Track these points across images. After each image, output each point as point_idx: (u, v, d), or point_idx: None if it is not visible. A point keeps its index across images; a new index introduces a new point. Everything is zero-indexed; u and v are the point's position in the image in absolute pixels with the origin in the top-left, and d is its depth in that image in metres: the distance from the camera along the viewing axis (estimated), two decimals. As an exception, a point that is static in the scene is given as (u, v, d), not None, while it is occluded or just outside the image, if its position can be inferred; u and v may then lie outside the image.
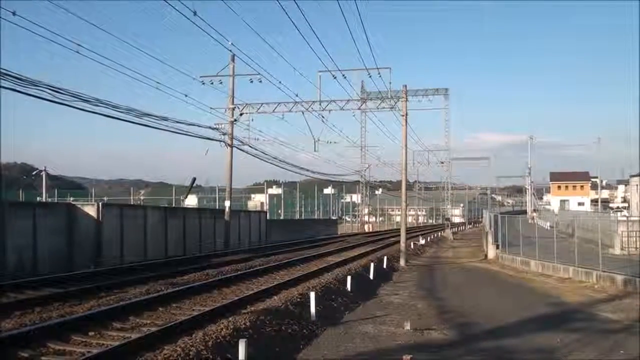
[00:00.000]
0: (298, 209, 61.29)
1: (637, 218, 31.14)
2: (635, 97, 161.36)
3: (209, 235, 30.13)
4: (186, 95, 24.17)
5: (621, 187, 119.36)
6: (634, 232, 26.29)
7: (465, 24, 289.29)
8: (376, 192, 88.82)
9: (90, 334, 9.31)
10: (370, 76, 27.21)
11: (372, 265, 19.84)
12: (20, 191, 46.22)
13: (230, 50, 27.17)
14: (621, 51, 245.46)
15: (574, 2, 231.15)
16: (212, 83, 29.00)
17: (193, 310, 11.71)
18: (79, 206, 21.67)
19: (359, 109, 33.76)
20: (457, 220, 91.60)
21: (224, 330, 9.13)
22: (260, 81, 27.80)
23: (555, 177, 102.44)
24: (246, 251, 28.70)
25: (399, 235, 28.14)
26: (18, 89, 13.92)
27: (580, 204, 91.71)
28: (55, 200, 41.59)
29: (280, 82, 29.60)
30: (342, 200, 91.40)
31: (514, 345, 10.21)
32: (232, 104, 29.78)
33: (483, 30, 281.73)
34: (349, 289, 15.54)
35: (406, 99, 27.81)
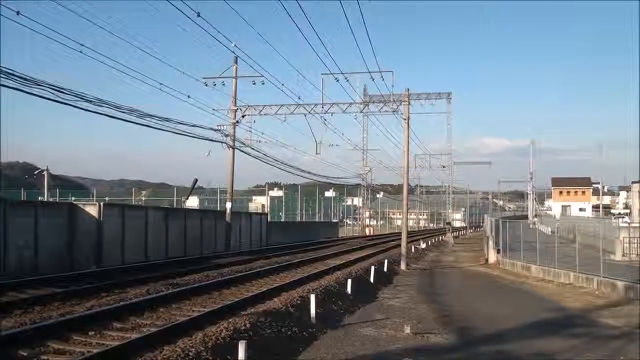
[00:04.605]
0: (299, 211, 61.22)
1: (638, 224, 31.08)
2: (637, 102, 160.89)
3: (209, 236, 30.12)
4: (189, 96, 24.22)
5: (623, 194, 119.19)
6: (635, 239, 26.26)
7: (468, 27, 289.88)
8: (377, 195, 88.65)
9: (90, 333, 9.30)
10: (372, 79, 27.23)
11: (372, 268, 19.82)
12: (22, 190, 46.29)
13: (233, 52, 27.21)
14: (623, 54, 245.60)
15: (575, 4, 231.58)
16: (214, 85, 29.10)
17: (193, 311, 11.70)
18: (80, 206, 21.65)
19: (361, 112, 33.80)
20: (458, 224, 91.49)
21: (223, 331, 9.12)
22: (263, 83, 27.94)
23: (557, 182, 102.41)
24: (247, 253, 28.70)
25: (400, 238, 28.12)
26: (22, 88, 13.95)
27: (581, 209, 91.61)
28: (57, 200, 41.63)
29: (282, 84, 29.72)
30: (344, 204, 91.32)
31: (514, 350, 10.19)
32: (235, 105, 29.82)
33: (487, 33, 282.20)
34: (349, 292, 15.53)
35: (408, 102, 27.84)
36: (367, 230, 69.42)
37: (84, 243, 20.73)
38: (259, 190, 71.22)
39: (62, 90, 15.42)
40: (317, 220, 63.52)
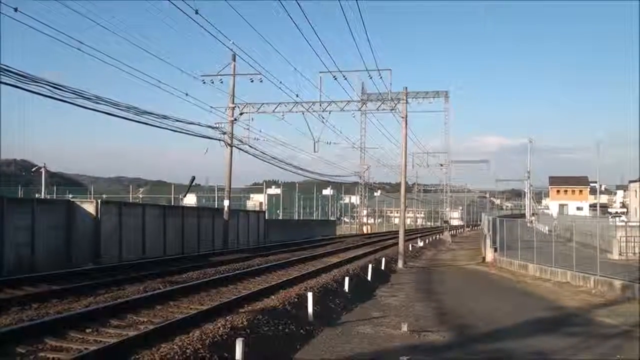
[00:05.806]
0: (297, 209, 61.31)
1: (635, 223, 31.16)
2: (635, 101, 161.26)
3: (207, 234, 30.12)
4: (187, 94, 24.16)
5: (620, 193, 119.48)
6: (632, 238, 26.32)
7: (466, 26, 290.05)
8: (375, 193, 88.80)
9: (88, 330, 9.30)
10: (370, 77, 27.17)
11: (370, 266, 19.83)
12: (20, 188, 46.23)
13: (232, 50, 27.19)
14: (622, 54, 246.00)
15: (575, 4, 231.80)
16: (212, 82, 29.06)
17: (190, 308, 11.70)
18: (78, 203, 21.60)
19: (359, 110, 33.78)
20: (455, 223, 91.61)
21: (221, 329, 9.12)
22: (261, 81, 27.89)
23: (555, 181, 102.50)
24: (244, 251, 28.70)
25: (398, 237, 28.15)
26: (20, 85, 13.89)
27: (579, 208, 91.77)
28: (54, 197, 41.55)
29: (280, 82, 29.67)
30: (341, 202, 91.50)
31: (511, 348, 10.22)
32: (233, 103, 29.79)
33: (485, 32, 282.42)
34: (347, 290, 15.54)
35: (406, 100, 27.82)
36: (364, 228, 69.45)
37: (81, 240, 20.71)
38: (257, 188, 71.27)
39: (60, 88, 15.38)
40: (314, 218, 63.64)
